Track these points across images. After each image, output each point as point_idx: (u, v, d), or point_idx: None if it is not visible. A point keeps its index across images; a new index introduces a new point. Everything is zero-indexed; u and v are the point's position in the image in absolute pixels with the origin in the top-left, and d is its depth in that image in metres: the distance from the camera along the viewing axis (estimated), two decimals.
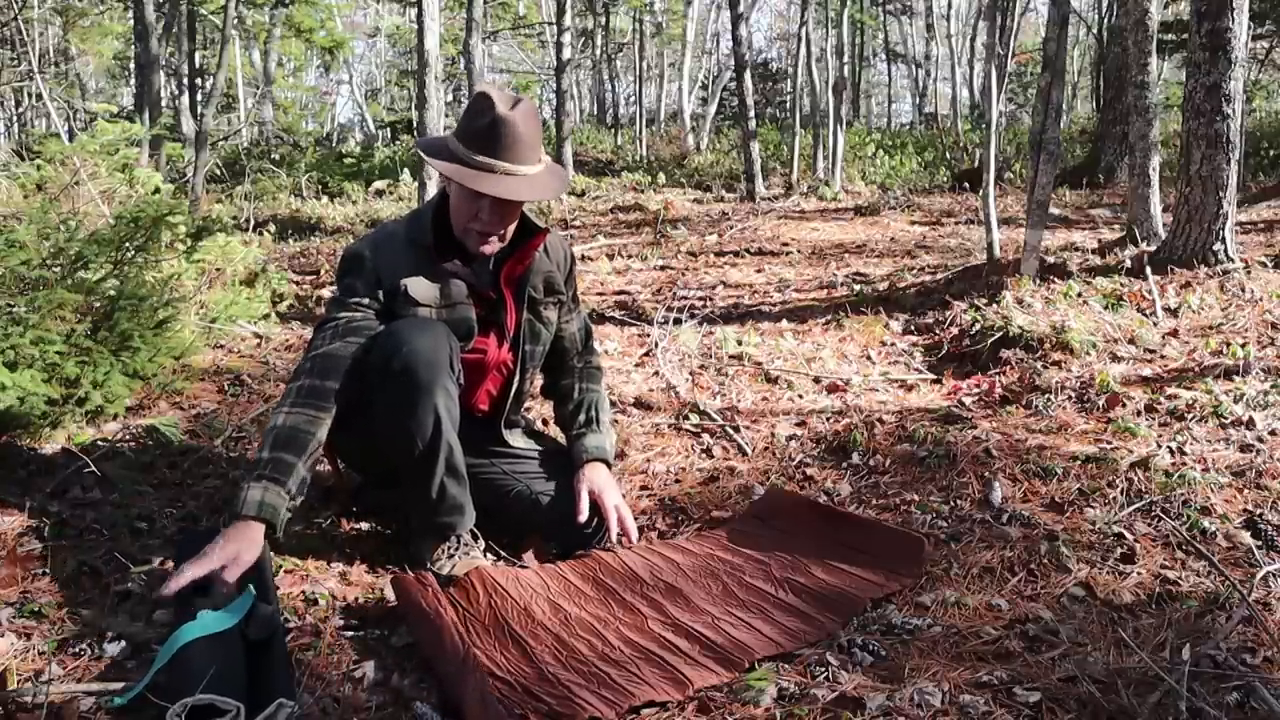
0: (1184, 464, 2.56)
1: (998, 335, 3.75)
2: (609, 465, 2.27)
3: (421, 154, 2.17)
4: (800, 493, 2.55)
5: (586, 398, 2.36)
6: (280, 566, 2.02)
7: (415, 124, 10.92)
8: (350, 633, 1.80)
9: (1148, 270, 4.34)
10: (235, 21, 10.48)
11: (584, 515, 2.15)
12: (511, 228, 2.12)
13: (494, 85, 2.45)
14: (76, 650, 1.68)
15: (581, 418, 2.33)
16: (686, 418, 3.14)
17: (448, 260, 2.11)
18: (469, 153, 1.99)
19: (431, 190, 5.61)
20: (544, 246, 2.24)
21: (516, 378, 2.24)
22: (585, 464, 2.23)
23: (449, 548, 2.05)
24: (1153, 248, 4.91)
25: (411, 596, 1.84)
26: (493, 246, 2.10)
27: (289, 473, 1.84)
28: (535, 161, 2.04)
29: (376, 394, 1.97)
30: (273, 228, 6.98)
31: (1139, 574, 2.06)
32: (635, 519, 2.46)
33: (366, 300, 2.05)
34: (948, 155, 11.76)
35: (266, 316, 4.08)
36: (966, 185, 9.41)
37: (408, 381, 1.94)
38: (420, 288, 2.07)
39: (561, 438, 2.40)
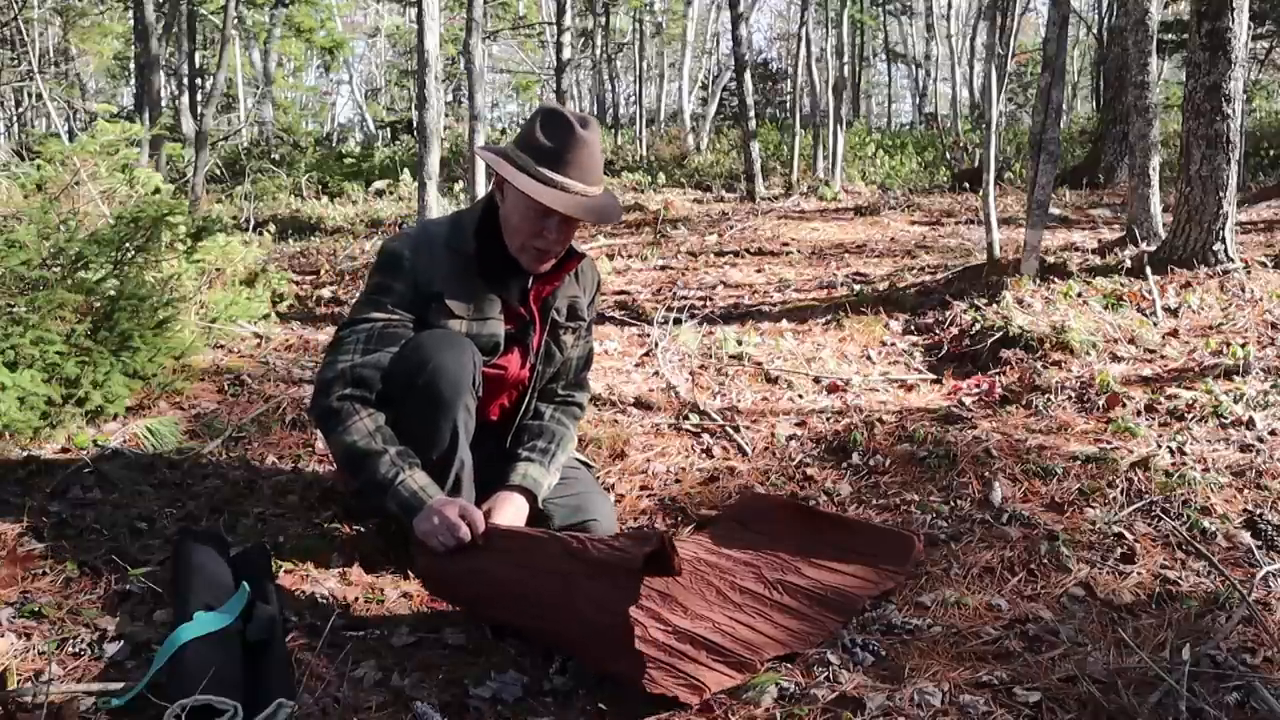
0: (1184, 464, 2.56)
1: (998, 335, 3.75)
2: (534, 502, 2.10)
3: (490, 162, 2.03)
4: (779, 495, 2.55)
5: (551, 428, 2.23)
6: (280, 566, 2.02)
7: (415, 124, 10.91)
8: (350, 633, 1.80)
9: (1148, 270, 4.34)
10: (235, 21, 10.47)
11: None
12: (565, 249, 2.11)
13: (558, 104, 2.38)
14: (76, 650, 1.67)
15: (540, 444, 2.18)
16: (686, 418, 3.14)
17: (487, 272, 2.08)
18: (541, 168, 1.96)
19: (431, 191, 5.60)
20: (576, 270, 2.22)
21: (529, 395, 2.23)
22: (512, 486, 2.08)
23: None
24: (1153, 248, 4.91)
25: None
26: (548, 264, 2.08)
27: (415, 455, 1.97)
28: (600, 184, 2.03)
29: (397, 404, 1.97)
30: (273, 228, 6.97)
31: (1139, 574, 2.06)
32: (635, 519, 2.47)
33: (404, 304, 2.03)
34: (948, 155, 11.76)
35: (266, 316, 4.08)
36: (966, 185, 9.41)
37: (431, 398, 1.94)
38: (456, 298, 2.05)
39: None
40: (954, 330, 4.03)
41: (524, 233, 2.02)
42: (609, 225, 8.19)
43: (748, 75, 9.64)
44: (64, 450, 2.55)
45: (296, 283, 5.05)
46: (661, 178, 10.87)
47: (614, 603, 1.64)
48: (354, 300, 2.14)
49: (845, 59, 12.37)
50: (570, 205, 1.96)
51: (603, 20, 18.59)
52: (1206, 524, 2.25)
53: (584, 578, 1.72)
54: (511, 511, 2.04)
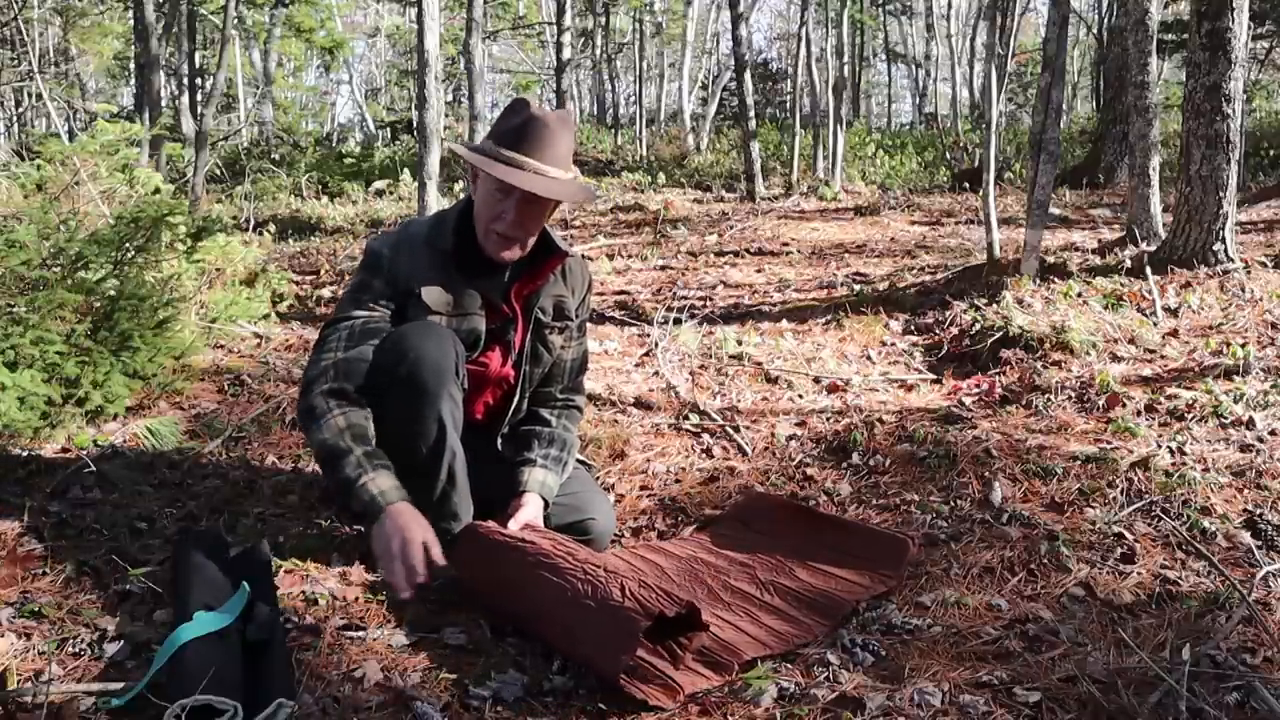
0: (1184, 464, 2.56)
1: (998, 335, 3.75)
2: (547, 505, 2.15)
3: (453, 149, 2.16)
4: (780, 495, 2.55)
5: (562, 436, 2.24)
6: (280, 566, 2.02)
7: (415, 124, 10.92)
8: (350, 633, 1.80)
9: (1148, 270, 4.34)
10: (235, 21, 10.47)
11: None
12: (533, 239, 2.10)
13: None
14: (76, 650, 1.67)
15: (554, 452, 2.19)
16: (686, 418, 3.14)
17: (465, 267, 2.09)
18: (499, 149, 1.99)
19: (431, 191, 5.60)
20: (563, 269, 2.21)
21: (516, 395, 2.22)
22: (532, 492, 2.12)
23: (445, 549, 2.04)
24: (1153, 248, 4.91)
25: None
26: (513, 253, 2.07)
27: (385, 457, 1.93)
28: (565, 168, 2.03)
29: (382, 398, 1.97)
30: (273, 228, 6.97)
31: (1139, 574, 2.06)
32: (635, 519, 2.47)
33: (383, 300, 2.04)
34: (948, 155, 11.76)
35: (266, 316, 4.08)
36: (966, 185, 9.40)
37: (414, 388, 1.94)
38: (434, 293, 2.05)
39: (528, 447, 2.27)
40: (954, 330, 4.03)
41: (486, 216, 2.03)
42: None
43: (748, 75, 9.64)
44: (64, 450, 2.55)
45: (296, 283, 5.05)
46: (661, 178, 10.86)
47: (613, 629, 1.65)
48: (338, 298, 2.14)
49: (845, 59, 12.36)
50: (524, 181, 1.95)
51: (603, 20, 18.60)
52: (1206, 524, 2.25)
53: (592, 613, 1.71)
54: (536, 515, 2.07)
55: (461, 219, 2.11)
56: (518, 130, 1.99)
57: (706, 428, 3.07)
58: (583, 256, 2.45)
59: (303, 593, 1.93)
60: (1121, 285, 4.31)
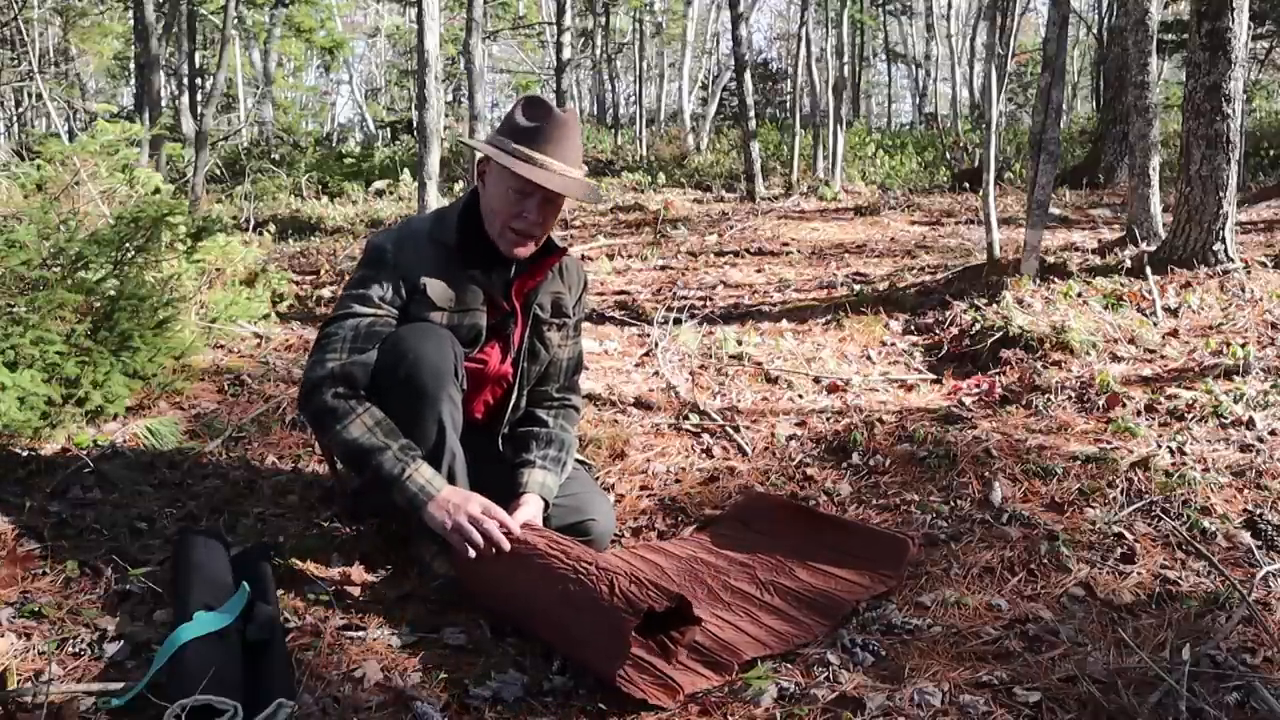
0: (1184, 464, 2.56)
1: (998, 335, 3.75)
2: (547, 505, 2.14)
3: (470, 144, 2.25)
4: (780, 495, 2.55)
5: (560, 436, 2.24)
6: (280, 566, 2.02)
7: (415, 124, 10.92)
8: (350, 633, 1.80)
9: (1148, 270, 4.34)
10: (235, 21, 10.47)
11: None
12: (546, 235, 2.12)
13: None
14: (76, 650, 1.68)
15: (552, 453, 2.19)
16: (686, 418, 3.14)
17: (469, 262, 2.09)
18: (520, 146, 2.00)
19: (431, 191, 5.60)
20: (560, 267, 2.23)
21: (514, 393, 2.22)
22: (531, 493, 2.11)
23: (445, 549, 2.04)
24: (1153, 248, 4.91)
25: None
26: (527, 249, 2.09)
27: (418, 448, 1.96)
28: (579, 167, 2.06)
29: (380, 398, 1.97)
30: (273, 228, 6.97)
31: (1139, 574, 2.06)
32: (635, 519, 2.47)
33: (389, 298, 2.04)
34: (948, 155, 11.76)
35: (266, 316, 4.08)
36: (966, 185, 9.40)
37: (413, 390, 1.95)
38: (438, 288, 2.06)
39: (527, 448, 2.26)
40: (954, 330, 4.03)
41: (504, 214, 2.04)
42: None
43: (748, 75, 9.64)
44: (64, 450, 2.55)
45: (296, 283, 5.05)
46: (661, 178, 10.86)
47: (603, 629, 1.65)
48: (340, 294, 2.14)
49: (845, 59, 12.36)
50: (548, 180, 1.98)
51: (603, 20, 18.59)
52: (1206, 524, 2.25)
53: (586, 607, 1.71)
54: (535, 516, 2.07)
55: (465, 214, 2.12)
56: (539, 129, 2.00)
57: (706, 428, 3.07)
58: (581, 257, 2.46)
59: (303, 593, 1.94)
60: (1121, 285, 4.31)
